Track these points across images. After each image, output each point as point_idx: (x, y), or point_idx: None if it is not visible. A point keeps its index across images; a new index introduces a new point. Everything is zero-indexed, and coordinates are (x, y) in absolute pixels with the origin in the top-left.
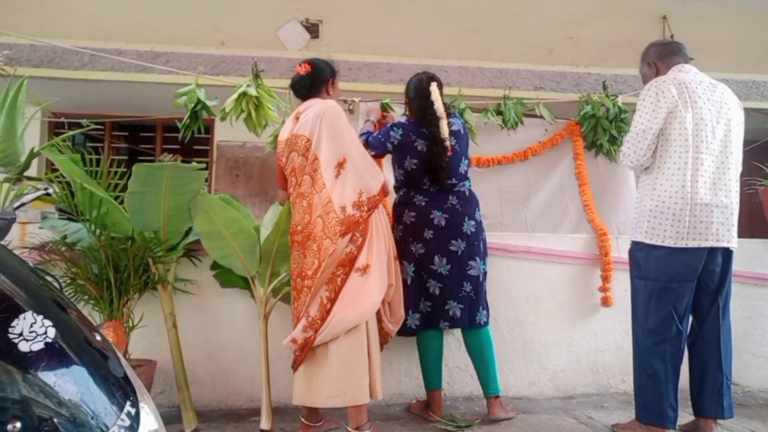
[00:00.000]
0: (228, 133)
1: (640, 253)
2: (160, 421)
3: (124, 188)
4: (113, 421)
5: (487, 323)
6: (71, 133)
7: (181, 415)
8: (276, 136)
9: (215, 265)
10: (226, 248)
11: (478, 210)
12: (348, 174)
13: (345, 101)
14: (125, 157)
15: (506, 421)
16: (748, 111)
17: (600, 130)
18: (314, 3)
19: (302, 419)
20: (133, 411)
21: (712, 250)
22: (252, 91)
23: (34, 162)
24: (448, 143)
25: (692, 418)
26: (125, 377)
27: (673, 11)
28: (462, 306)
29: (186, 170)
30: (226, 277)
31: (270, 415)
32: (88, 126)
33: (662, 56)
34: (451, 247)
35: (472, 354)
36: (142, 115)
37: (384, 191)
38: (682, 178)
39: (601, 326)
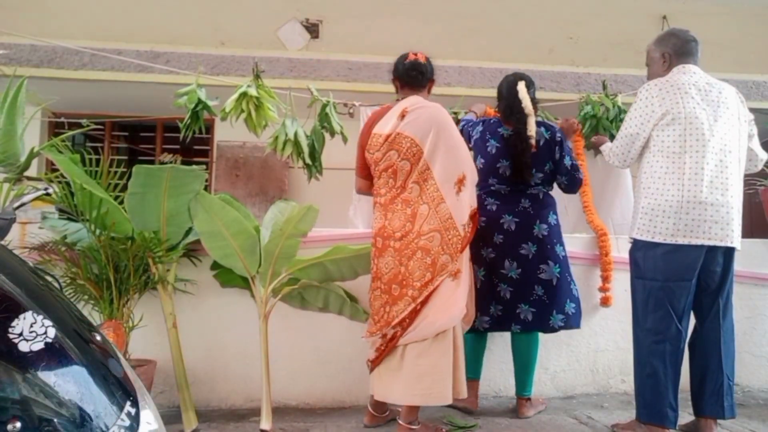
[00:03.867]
0: (228, 133)
1: (638, 252)
2: (160, 421)
3: (124, 188)
4: (113, 421)
5: (565, 326)
6: (71, 133)
7: (181, 415)
8: (276, 137)
9: (215, 265)
10: (226, 248)
11: (554, 213)
12: (467, 191)
13: (345, 104)
14: (125, 157)
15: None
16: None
17: (601, 130)
18: (314, 3)
19: (369, 409)
20: (133, 411)
21: (712, 250)
22: (252, 92)
23: (34, 162)
24: (533, 141)
25: (692, 418)
26: (125, 377)
27: (673, 11)
28: (534, 309)
29: (186, 171)
30: (226, 277)
31: (270, 415)
32: (88, 126)
33: (679, 53)
34: (522, 251)
35: (517, 355)
36: (142, 115)
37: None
38: (674, 177)
39: (601, 326)
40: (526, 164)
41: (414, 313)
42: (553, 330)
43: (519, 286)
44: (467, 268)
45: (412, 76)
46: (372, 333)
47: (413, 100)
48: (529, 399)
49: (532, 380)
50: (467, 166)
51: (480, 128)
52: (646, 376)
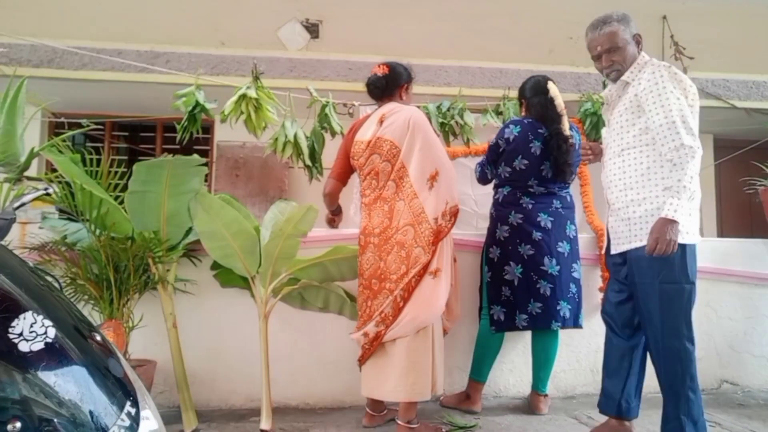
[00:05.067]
0: (228, 133)
1: (684, 256)
2: (160, 421)
3: (124, 188)
4: (113, 421)
5: (581, 326)
6: (71, 133)
7: (181, 415)
8: (276, 139)
9: (215, 265)
10: (226, 248)
11: (575, 215)
12: (441, 186)
13: (345, 105)
14: (125, 157)
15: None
16: (748, 111)
17: (600, 127)
18: (314, 3)
19: (367, 409)
20: (133, 411)
21: None
22: (252, 93)
23: (34, 162)
24: (573, 140)
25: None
26: (125, 377)
27: (673, 11)
28: (570, 307)
29: (186, 164)
30: (226, 277)
31: (270, 415)
32: (88, 126)
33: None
34: (559, 249)
35: (538, 354)
36: (142, 115)
37: None
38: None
39: (601, 326)
40: (568, 164)
41: (397, 311)
42: (580, 326)
43: (559, 283)
44: (449, 268)
45: (372, 91)
46: (358, 328)
47: (390, 106)
48: (547, 395)
49: (549, 378)
50: (441, 163)
51: (518, 128)
52: (694, 392)
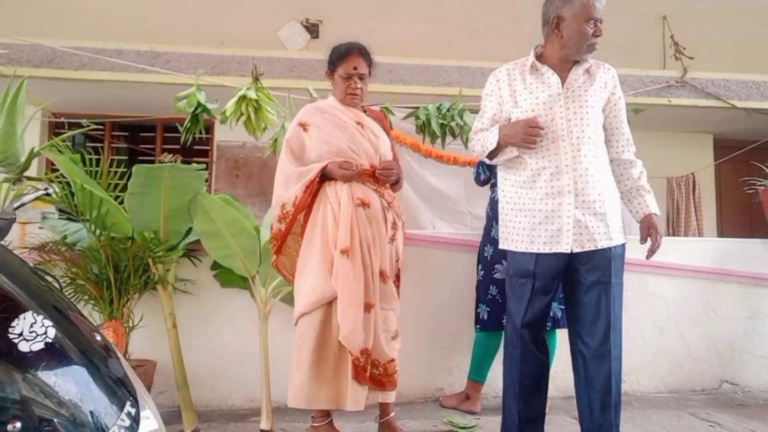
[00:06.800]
0: (228, 133)
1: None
2: (160, 421)
3: (124, 188)
4: (113, 421)
5: None
6: (71, 133)
7: (181, 415)
8: (276, 139)
9: (215, 265)
10: (226, 248)
11: None
12: (274, 191)
13: None
14: (125, 157)
15: None
16: (748, 111)
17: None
18: (314, 3)
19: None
20: (133, 411)
21: None
22: (251, 94)
23: (34, 162)
24: None
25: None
26: (125, 377)
27: (673, 11)
28: (562, 307)
29: (186, 171)
30: (226, 277)
31: (270, 415)
32: (88, 126)
33: None
34: None
35: None
36: (142, 115)
37: (308, 194)
38: None
39: None
40: None
41: None
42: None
43: None
44: (316, 268)
45: None
46: None
47: None
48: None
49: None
50: (278, 167)
51: None
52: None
